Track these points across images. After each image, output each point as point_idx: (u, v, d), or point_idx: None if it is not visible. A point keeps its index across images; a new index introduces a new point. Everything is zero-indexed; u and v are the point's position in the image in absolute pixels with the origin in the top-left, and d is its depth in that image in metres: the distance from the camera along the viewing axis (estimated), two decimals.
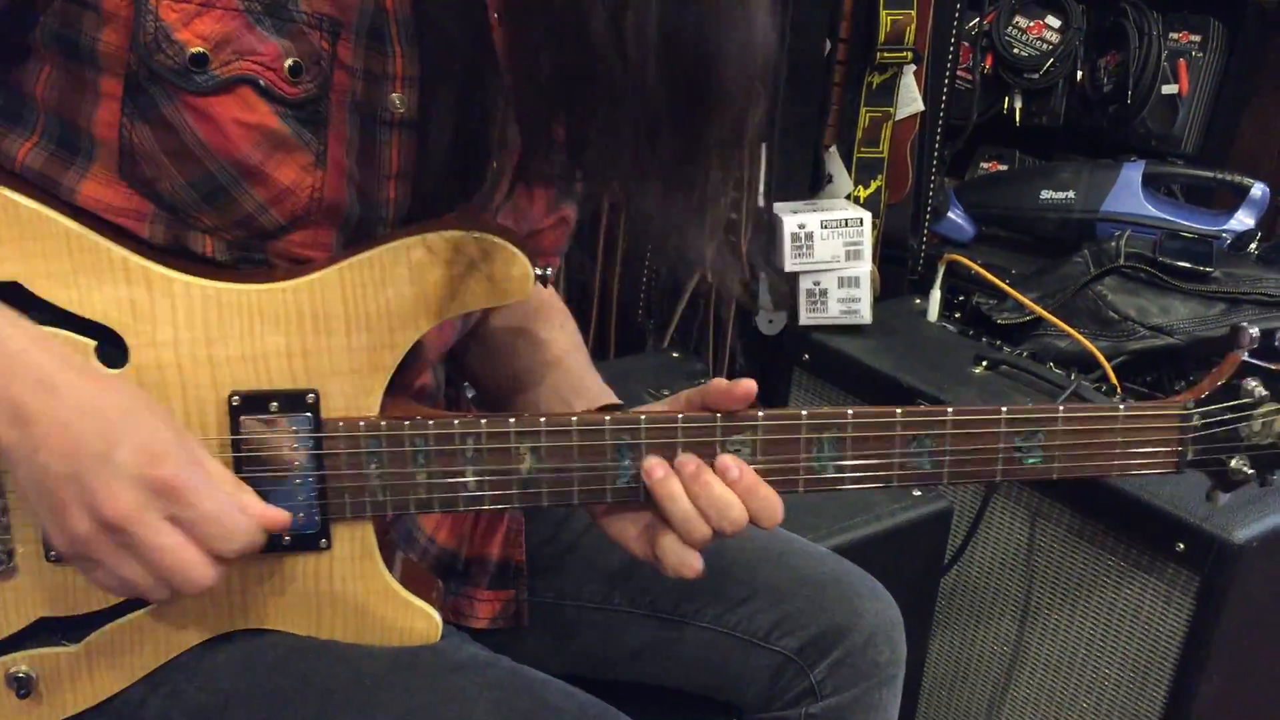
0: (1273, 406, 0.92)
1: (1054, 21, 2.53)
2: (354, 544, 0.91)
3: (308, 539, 0.89)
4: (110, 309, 0.85)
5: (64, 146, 0.85)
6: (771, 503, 0.91)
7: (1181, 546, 1.54)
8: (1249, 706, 1.71)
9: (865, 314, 1.96)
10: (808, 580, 1.16)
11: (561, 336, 1.14)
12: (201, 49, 0.80)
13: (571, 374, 1.11)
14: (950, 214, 2.32)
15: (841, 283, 1.95)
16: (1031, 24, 2.54)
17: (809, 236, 1.93)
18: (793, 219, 1.93)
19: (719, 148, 0.89)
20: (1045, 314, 1.96)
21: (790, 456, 0.91)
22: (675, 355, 2.03)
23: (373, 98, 0.87)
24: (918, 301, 2.12)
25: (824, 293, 1.96)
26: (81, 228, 0.84)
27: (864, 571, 1.20)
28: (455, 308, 0.88)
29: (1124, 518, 1.60)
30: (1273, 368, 0.93)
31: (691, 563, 0.93)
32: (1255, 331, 0.92)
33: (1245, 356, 0.92)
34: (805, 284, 1.96)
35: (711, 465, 0.90)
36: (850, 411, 0.90)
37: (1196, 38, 2.42)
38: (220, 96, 0.82)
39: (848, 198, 2.09)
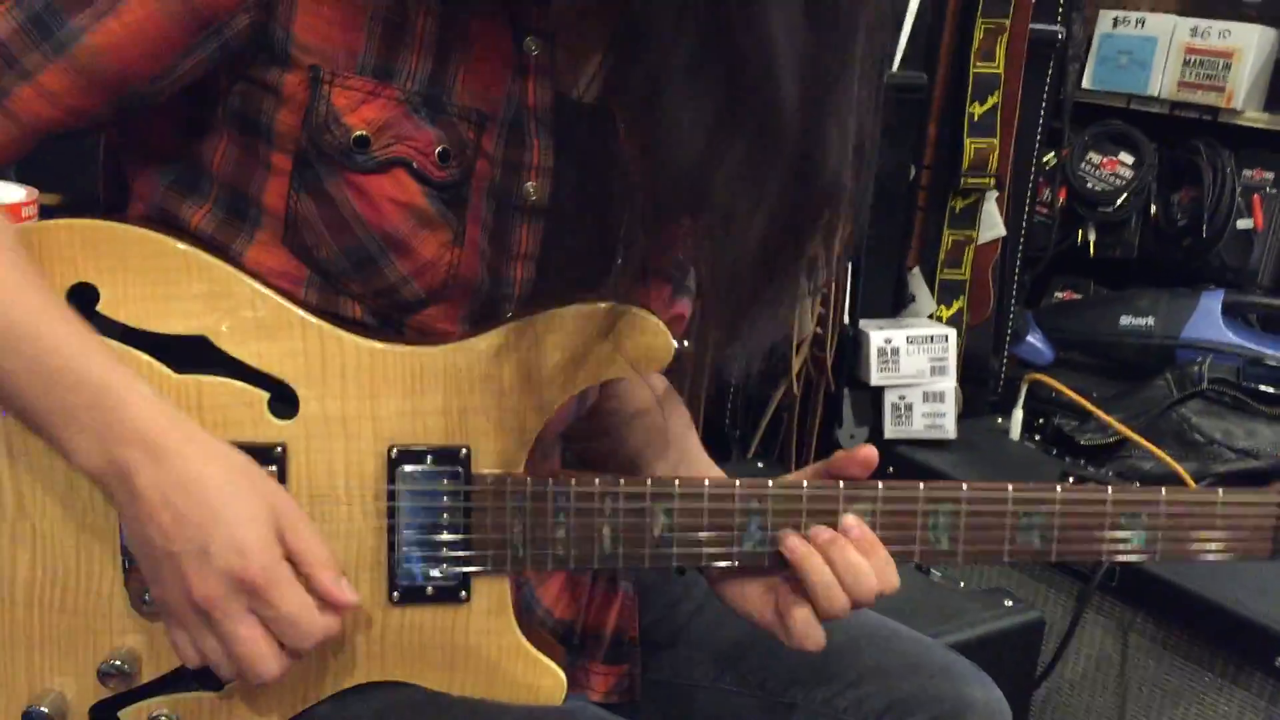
0: None
1: (1127, 158, 2.62)
2: (491, 599, 0.94)
3: (449, 591, 0.93)
4: (285, 363, 0.91)
5: (234, 214, 0.93)
6: (891, 565, 0.94)
7: (1279, 661, 1.53)
8: None
9: (950, 429, 2.00)
10: (917, 666, 1.17)
11: (676, 419, 1.19)
12: (365, 132, 0.89)
13: (688, 454, 1.15)
14: (1029, 338, 2.36)
15: (926, 398, 1.99)
16: (1105, 160, 2.63)
17: (895, 352, 1.98)
18: (879, 334, 1.98)
19: (820, 242, 0.95)
20: (1131, 434, 1.98)
21: (907, 526, 0.95)
22: (760, 465, 2.07)
23: (509, 184, 0.95)
24: (999, 420, 2.15)
25: (909, 407, 2.00)
26: (264, 287, 0.91)
27: (971, 662, 1.21)
28: (601, 374, 0.93)
29: (1218, 631, 1.59)
30: None
31: (818, 636, 0.97)
32: None
33: None
34: (890, 398, 2.01)
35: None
36: (965, 486, 0.94)
37: (1270, 174, 2.49)
38: (377, 175, 0.90)
39: (930, 317, 2.14)
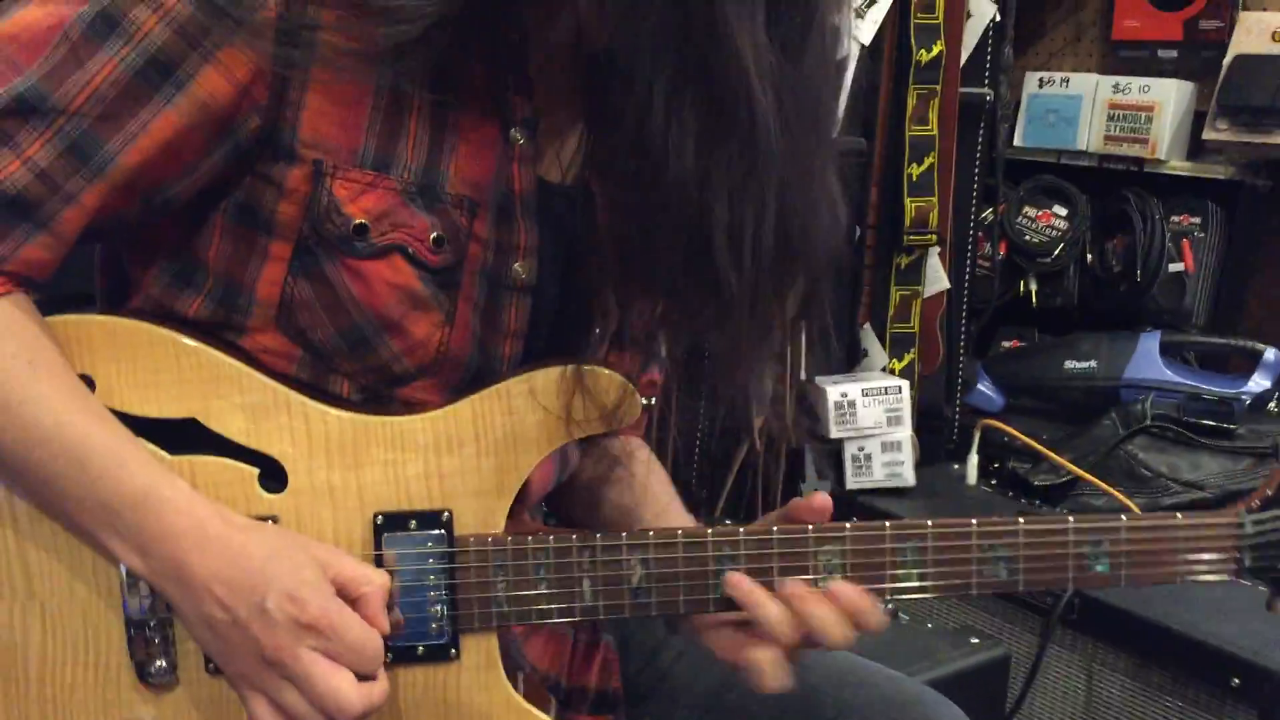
0: None
1: (1061, 210, 2.73)
2: (480, 655, 0.99)
3: (439, 649, 0.98)
4: (274, 440, 0.96)
5: (225, 304, 0.98)
6: (866, 611, 1.00)
7: (1237, 682, 1.59)
8: None
9: (909, 477, 2.06)
10: (889, 699, 1.21)
11: (655, 478, 1.24)
12: (364, 220, 0.95)
13: (669, 510, 1.21)
14: (979, 386, 2.45)
15: (884, 447, 2.06)
16: (1040, 213, 2.73)
17: (851, 404, 2.05)
18: (835, 389, 2.05)
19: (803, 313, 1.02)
20: (1082, 473, 2.06)
21: (877, 566, 1.00)
22: (728, 523, 2.12)
23: (499, 266, 1.02)
24: (956, 467, 2.22)
25: (868, 458, 2.07)
26: (250, 369, 0.96)
27: (940, 694, 1.26)
28: (572, 433, 0.99)
29: (1179, 657, 1.65)
30: None
31: (778, 676, 1.01)
32: None
33: None
34: (850, 450, 2.07)
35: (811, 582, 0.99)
36: (930, 523, 1.00)
37: (1196, 219, 2.60)
38: (375, 261, 0.96)
39: (883, 370, 2.22)
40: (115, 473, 0.88)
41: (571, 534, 0.99)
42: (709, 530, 0.99)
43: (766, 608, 0.99)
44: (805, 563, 0.99)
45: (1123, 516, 1.00)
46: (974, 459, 2.18)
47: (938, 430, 2.30)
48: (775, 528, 1.00)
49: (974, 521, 1.01)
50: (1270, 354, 2.30)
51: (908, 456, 2.05)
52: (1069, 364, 2.41)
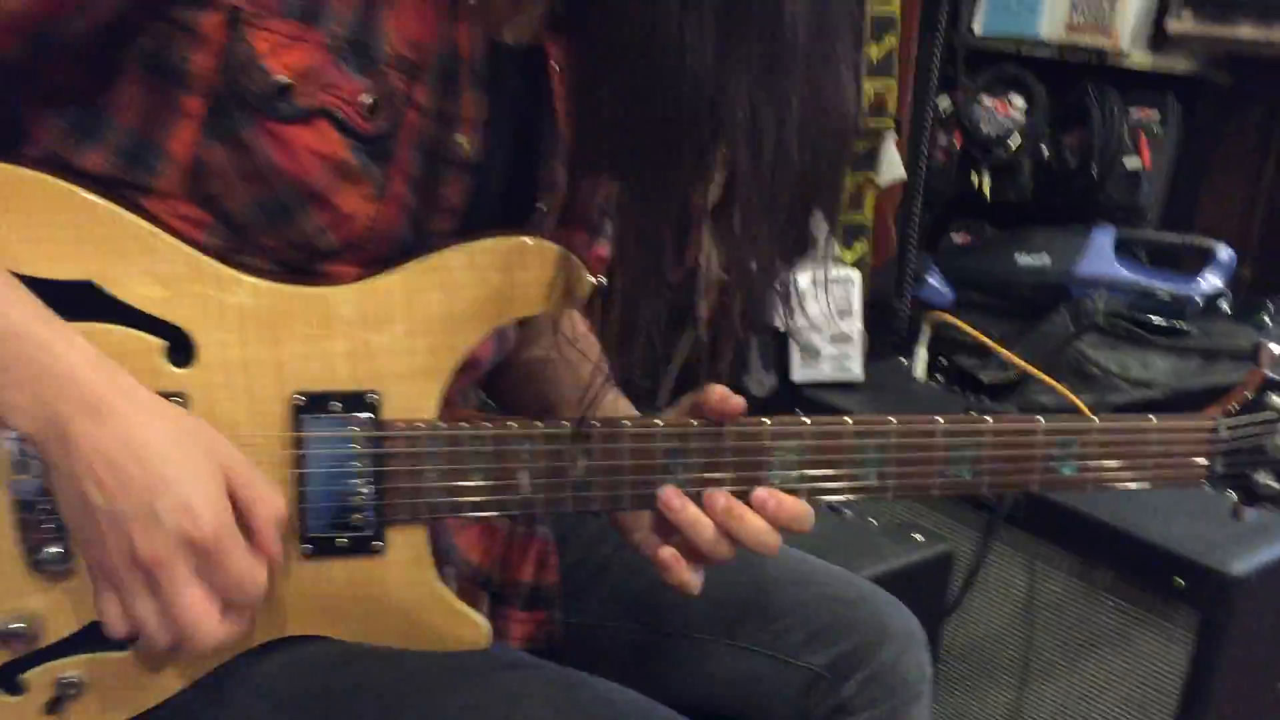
0: None
1: (1019, 101, 2.65)
2: (408, 549, 0.92)
3: (363, 542, 0.90)
4: (181, 308, 0.87)
5: (133, 160, 0.87)
6: (799, 517, 0.95)
7: (1180, 583, 1.57)
8: None
9: (857, 371, 2.01)
10: (835, 599, 1.18)
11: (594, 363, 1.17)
12: (288, 79, 0.84)
13: (613, 401, 1.14)
14: (929, 279, 2.39)
15: (833, 340, 2.01)
16: (997, 103, 2.65)
17: (800, 295, 1.98)
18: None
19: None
20: (1031, 369, 2.02)
21: (836, 463, 0.94)
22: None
23: (439, 137, 0.92)
24: (903, 361, 2.17)
25: (816, 351, 2.01)
26: (155, 228, 0.86)
27: (887, 592, 1.22)
28: (513, 312, 0.91)
29: (1123, 557, 1.64)
30: None
31: (687, 579, 0.97)
32: (1276, 349, 0.96)
33: (1267, 372, 0.96)
34: (797, 343, 2.01)
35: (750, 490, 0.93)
36: (894, 420, 0.94)
37: (1155, 114, 2.54)
38: (298, 126, 0.86)
39: (832, 260, 2.15)
40: (9, 322, 0.78)
41: (510, 422, 0.91)
42: (659, 422, 0.92)
43: (699, 528, 0.94)
44: (761, 458, 0.93)
45: (1095, 418, 0.95)
46: (922, 354, 2.13)
47: (887, 323, 2.24)
48: (727, 424, 0.93)
49: (940, 419, 0.95)
50: (1223, 252, 2.26)
51: (856, 350, 2.00)
52: (1021, 258, 2.36)
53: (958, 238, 2.74)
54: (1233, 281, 2.29)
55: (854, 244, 2.15)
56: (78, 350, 0.80)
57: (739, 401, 0.95)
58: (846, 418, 0.95)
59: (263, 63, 0.84)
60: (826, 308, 1.91)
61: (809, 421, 0.94)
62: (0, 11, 0.79)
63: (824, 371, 2.01)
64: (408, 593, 0.92)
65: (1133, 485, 0.97)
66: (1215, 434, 0.97)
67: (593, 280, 0.92)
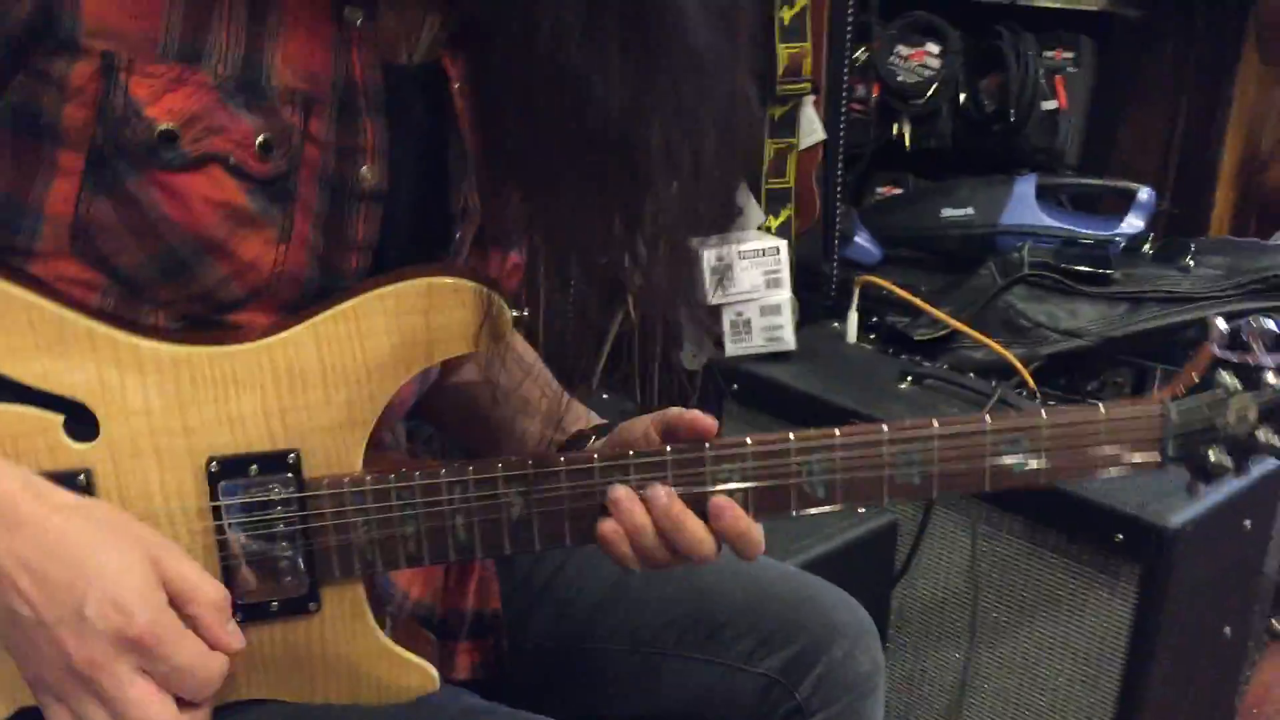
0: (1244, 397, 0.95)
1: (934, 48, 2.63)
2: (344, 605, 0.88)
3: (297, 603, 0.87)
4: (77, 382, 0.82)
5: (5, 226, 0.82)
6: (755, 537, 0.92)
7: (1120, 537, 1.58)
8: (1198, 689, 1.77)
9: (789, 340, 1.99)
10: (781, 599, 1.16)
11: (534, 373, 1.14)
12: (171, 126, 0.79)
13: (566, 408, 1.11)
14: (856, 239, 2.38)
15: (764, 311, 1.98)
16: (913, 52, 2.63)
17: (728, 269, 1.96)
18: (711, 253, 1.95)
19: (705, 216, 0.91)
20: (961, 326, 2.01)
21: (782, 479, 0.91)
22: (605, 397, 2.04)
23: (343, 171, 0.87)
24: (835, 325, 2.16)
25: (747, 323, 1.99)
26: (41, 298, 0.81)
27: (833, 585, 1.21)
28: (435, 356, 0.87)
29: (1063, 515, 1.64)
30: (1239, 360, 0.95)
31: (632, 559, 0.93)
32: (1224, 326, 0.95)
33: (1216, 350, 0.95)
34: (728, 316, 1.99)
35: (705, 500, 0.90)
36: (838, 431, 0.91)
37: (1070, 54, 2.54)
38: (189, 174, 0.80)
39: (760, 229, 2.12)
40: None
41: (440, 467, 0.88)
42: (595, 455, 0.89)
43: (643, 533, 0.91)
44: (704, 486, 0.90)
45: (1042, 412, 0.93)
46: (853, 316, 2.11)
47: (816, 288, 2.22)
48: (670, 448, 0.91)
49: (885, 427, 0.93)
50: (1144, 193, 2.27)
51: (787, 320, 1.98)
52: (946, 211, 2.35)
53: (882, 190, 2.73)
54: (1153, 221, 2.30)
55: (780, 211, 2.13)
56: None
57: (710, 422, 0.93)
58: (790, 434, 0.92)
59: (144, 111, 0.78)
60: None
61: (749, 441, 0.91)
62: None
63: (757, 344, 1.99)
64: (348, 648, 0.89)
65: (1090, 475, 0.96)
66: (1166, 417, 0.96)
67: (513, 314, 0.89)
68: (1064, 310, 2.06)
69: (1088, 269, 2.07)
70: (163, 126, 0.79)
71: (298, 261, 0.86)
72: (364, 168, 0.88)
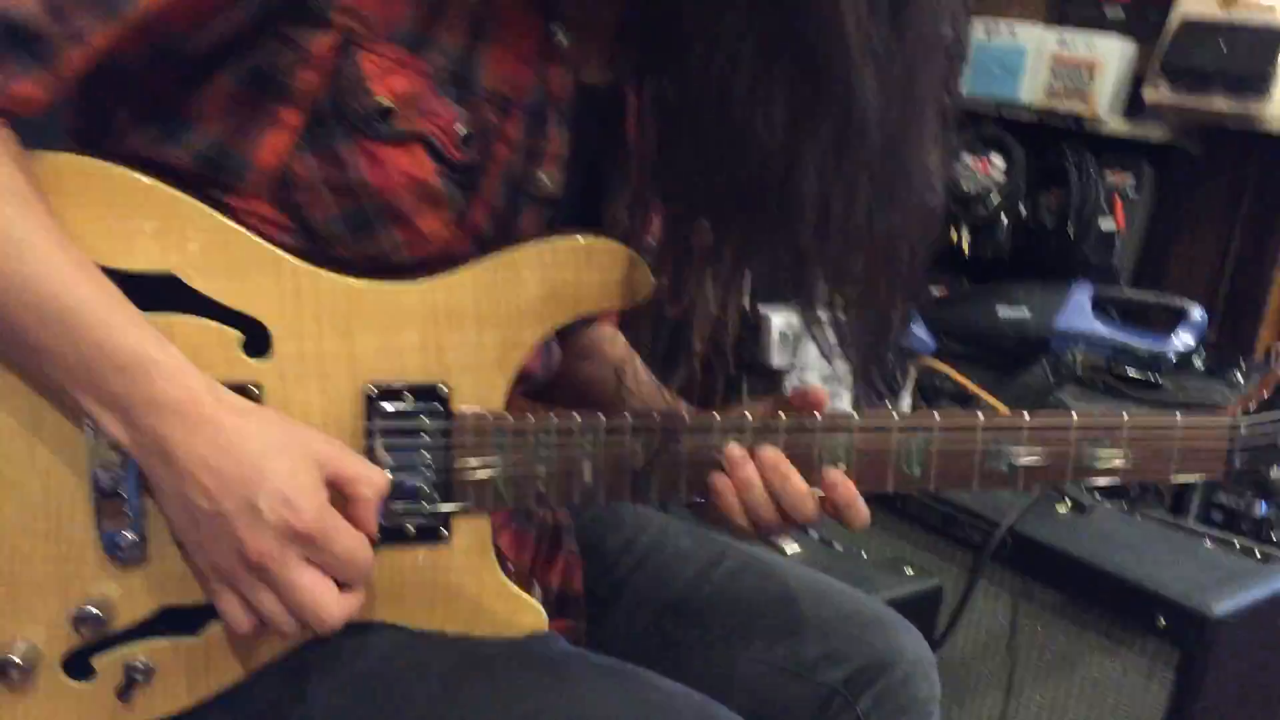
0: None
1: (998, 160, 2.74)
2: (472, 537, 0.95)
3: (431, 530, 0.93)
4: (258, 302, 0.90)
5: (214, 165, 0.91)
6: (861, 508, 0.99)
7: (1163, 622, 1.62)
8: None
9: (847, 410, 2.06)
10: (850, 616, 1.21)
11: (646, 371, 1.22)
12: (390, 103, 0.88)
13: (655, 394, 1.19)
14: (912, 327, 2.45)
15: (825, 380, 2.06)
16: (978, 161, 2.75)
17: (796, 335, 2.04)
18: (780, 318, 2.03)
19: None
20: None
21: (882, 454, 0.99)
22: None
23: (525, 172, 0.97)
24: (889, 405, 2.22)
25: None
26: (236, 224, 0.90)
27: (899, 614, 1.26)
28: (580, 308, 0.95)
29: (1105, 595, 1.68)
30: None
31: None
32: None
33: None
34: (790, 381, 2.06)
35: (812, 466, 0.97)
36: (937, 415, 0.99)
37: (1130, 179, 2.64)
38: (394, 147, 0.90)
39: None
40: (101, 329, 0.81)
41: (575, 414, 0.95)
42: (716, 415, 0.97)
43: (752, 488, 0.97)
44: (810, 451, 0.97)
45: (1124, 414, 1.01)
46: (908, 398, 2.18)
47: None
48: (783, 414, 0.98)
49: (980, 416, 1.00)
50: (1196, 313, 2.35)
51: (847, 391, 2.05)
52: (1002, 310, 2.43)
53: (936, 290, 2.81)
54: (1201, 344, 2.37)
55: None
56: (167, 357, 0.83)
57: (823, 396, 1.00)
58: (894, 413, 0.99)
59: (368, 85, 0.88)
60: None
61: (857, 417, 0.98)
62: (138, 10, 0.82)
63: None
64: (471, 579, 0.95)
65: (1161, 478, 1.02)
66: (1236, 430, 1.03)
67: (655, 280, 0.97)
68: (1113, 412, 2.12)
69: (1139, 376, 2.14)
70: (382, 101, 0.88)
71: (464, 244, 0.95)
72: (542, 172, 0.97)
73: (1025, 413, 0.99)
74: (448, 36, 0.90)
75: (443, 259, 0.94)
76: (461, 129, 0.91)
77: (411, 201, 0.91)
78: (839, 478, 0.97)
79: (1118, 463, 1.00)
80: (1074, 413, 1.00)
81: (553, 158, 0.97)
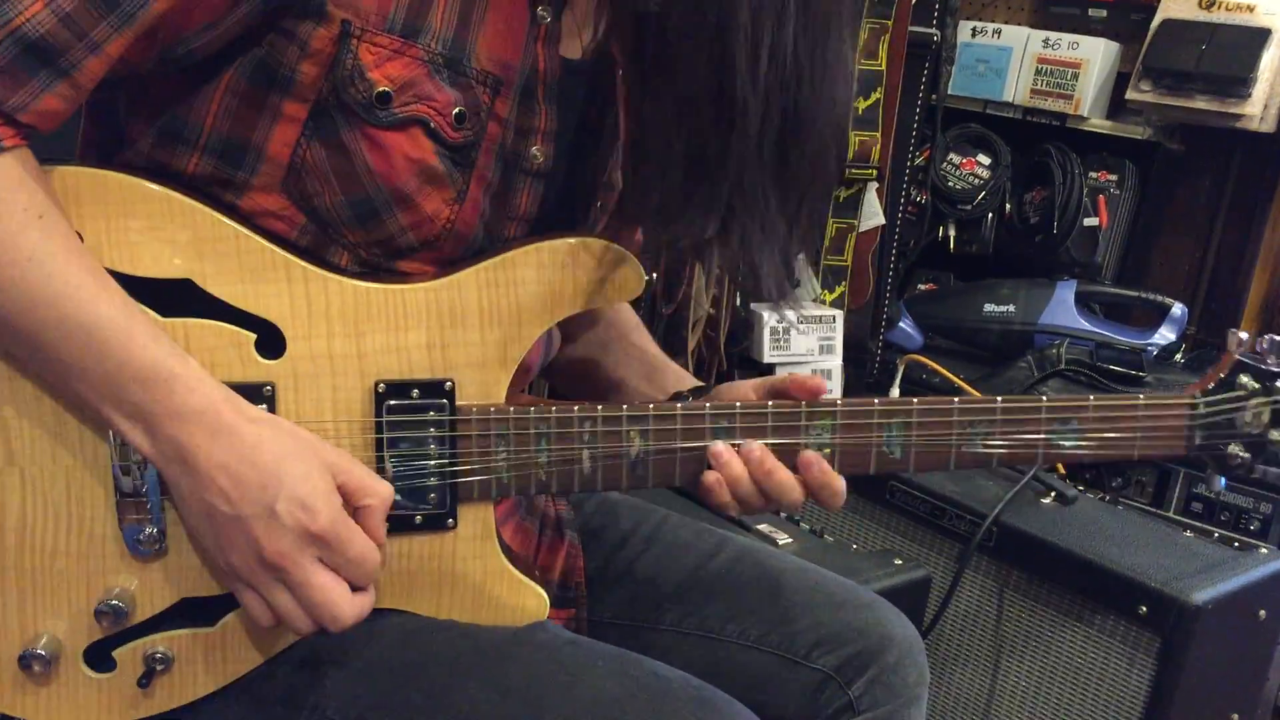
0: (1261, 399, 1.07)
1: (984, 159, 2.79)
2: (476, 525, 0.99)
3: (437, 519, 0.97)
4: (272, 305, 0.94)
5: (227, 161, 0.94)
6: (836, 488, 1.04)
7: (1144, 610, 1.67)
8: None
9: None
10: (842, 604, 1.25)
11: (645, 339, 1.27)
12: (388, 89, 0.92)
13: (667, 371, 1.24)
14: (900, 323, 2.50)
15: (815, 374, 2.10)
16: (964, 160, 2.79)
17: (786, 331, 2.08)
18: (771, 315, 2.08)
19: (812, 195, 1.02)
20: None
21: (864, 439, 1.03)
22: None
23: (517, 148, 1.01)
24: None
25: None
26: (248, 230, 0.93)
27: (888, 602, 1.30)
28: (577, 305, 0.99)
29: (1088, 584, 1.73)
30: (1256, 365, 1.08)
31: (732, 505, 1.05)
32: (1244, 335, 1.09)
33: (1237, 355, 1.08)
34: (780, 374, 2.10)
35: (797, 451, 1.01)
36: (915, 400, 1.03)
37: (1113, 177, 2.69)
38: (395, 132, 0.94)
39: (813, 301, 2.25)
40: (123, 344, 0.85)
41: (573, 405, 0.99)
42: (707, 405, 1.01)
43: (740, 481, 1.02)
44: (797, 437, 1.02)
45: (1090, 396, 1.05)
46: (895, 393, 2.23)
47: (860, 363, 2.34)
48: (770, 404, 1.02)
49: (955, 400, 1.05)
50: (1178, 309, 2.40)
51: (837, 384, 2.09)
52: (988, 307, 2.48)
53: (923, 286, 2.86)
54: (1181, 340, 2.42)
55: (835, 286, 2.26)
56: (187, 369, 0.87)
57: (820, 383, 1.05)
58: (875, 399, 1.03)
59: (367, 73, 0.92)
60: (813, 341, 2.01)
61: (839, 402, 1.04)
62: (150, 14, 0.85)
63: None
64: (476, 566, 0.99)
65: (1124, 456, 1.07)
66: (1195, 409, 1.07)
67: (645, 275, 1.01)
68: None
69: (1121, 369, 2.18)
70: (380, 88, 0.92)
71: (467, 222, 0.99)
72: (535, 148, 1.01)
73: (999, 397, 1.04)
74: (439, 22, 0.94)
75: (448, 238, 0.98)
76: (456, 109, 0.95)
77: (415, 184, 0.95)
78: (813, 458, 1.02)
79: (1085, 442, 1.05)
80: (1044, 396, 1.04)
81: (542, 133, 1.02)
